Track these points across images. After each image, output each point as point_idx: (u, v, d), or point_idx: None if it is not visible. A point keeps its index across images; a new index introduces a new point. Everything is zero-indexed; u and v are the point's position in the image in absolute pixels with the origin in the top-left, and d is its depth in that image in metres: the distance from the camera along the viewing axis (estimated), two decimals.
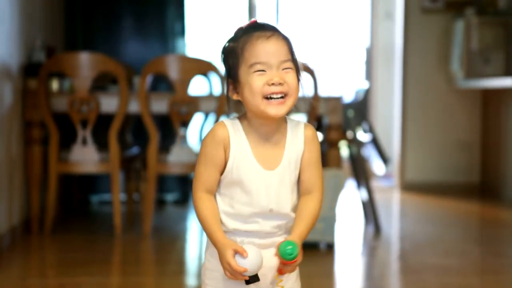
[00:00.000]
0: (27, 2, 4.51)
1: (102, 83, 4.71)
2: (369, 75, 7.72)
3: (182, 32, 5.85)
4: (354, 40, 7.84)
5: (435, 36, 6.57)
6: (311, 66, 4.38)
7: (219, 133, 1.66)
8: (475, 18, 6.18)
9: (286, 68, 1.63)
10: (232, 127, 1.67)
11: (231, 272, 1.59)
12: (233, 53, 1.66)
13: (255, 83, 1.62)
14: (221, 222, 1.68)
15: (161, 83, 5.45)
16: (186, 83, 4.28)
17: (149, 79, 4.32)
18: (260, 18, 1.73)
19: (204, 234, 1.72)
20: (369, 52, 7.71)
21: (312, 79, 4.37)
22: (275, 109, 1.62)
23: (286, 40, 1.66)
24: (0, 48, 3.95)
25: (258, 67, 1.62)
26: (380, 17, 7.60)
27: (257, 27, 1.66)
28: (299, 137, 1.70)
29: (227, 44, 1.69)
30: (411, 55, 6.62)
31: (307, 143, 1.70)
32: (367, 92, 6.82)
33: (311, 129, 1.72)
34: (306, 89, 1.71)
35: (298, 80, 1.67)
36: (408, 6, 6.59)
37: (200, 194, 1.67)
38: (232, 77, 1.67)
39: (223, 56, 1.69)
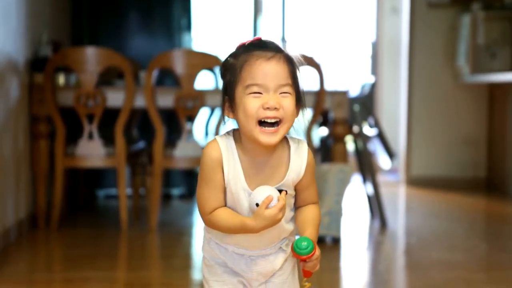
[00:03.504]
0: None
1: (108, 77, 4.72)
2: (375, 70, 7.71)
3: (188, 27, 5.85)
4: (360, 35, 7.83)
5: (441, 31, 6.56)
6: (317, 60, 4.38)
7: (214, 154, 1.60)
8: (482, 12, 6.16)
9: (284, 93, 1.56)
10: (225, 147, 1.62)
11: (277, 215, 1.54)
12: (231, 70, 1.59)
13: (250, 106, 1.55)
14: (216, 236, 1.68)
15: (167, 77, 5.45)
16: (192, 77, 4.29)
17: (155, 73, 4.32)
18: (265, 35, 1.67)
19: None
20: (375, 47, 7.70)
21: (318, 73, 4.37)
22: (267, 138, 1.56)
23: (288, 62, 1.59)
24: (7, 43, 3.96)
25: (255, 89, 1.55)
26: (386, 12, 7.58)
27: (259, 46, 1.59)
28: (303, 161, 1.65)
29: (227, 59, 1.63)
30: (417, 50, 6.61)
31: (308, 165, 1.65)
32: (373, 87, 6.81)
33: (311, 153, 1.67)
34: (306, 114, 1.65)
35: (298, 104, 1.60)
36: (415, 1, 6.58)
37: (211, 212, 1.62)
38: (228, 95, 1.61)
39: (222, 71, 1.63)
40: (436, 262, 3.62)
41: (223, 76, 1.63)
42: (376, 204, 4.64)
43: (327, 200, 3.96)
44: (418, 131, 6.66)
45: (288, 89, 1.57)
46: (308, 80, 4.47)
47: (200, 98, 4.29)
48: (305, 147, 1.66)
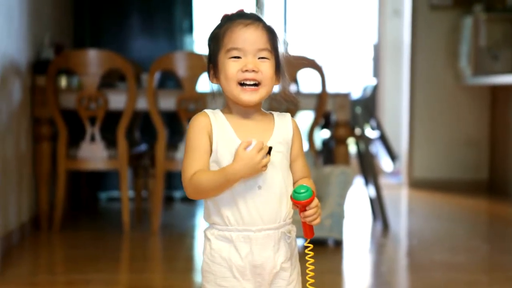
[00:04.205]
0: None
1: (110, 80, 4.72)
2: (377, 72, 7.71)
3: (190, 29, 5.85)
4: (362, 37, 7.83)
5: (443, 33, 6.56)
6: (319, 62, 4.38)
7: (201, 120, 1.66)
8: (484, 14, 6.16)
9: (262, 58, 1.65)
10: (212, 114, 1.68)
11: (256, 156, 1.56)
12: (215, 39, 1.69)
13: (230, 69, 1.64)
14: (216, 216, 1.66)
15: (169, 80, 5.46)
16: (194, 80, 4.29)
17: (157, 76, 4.33)
18: (249, 8, 1.76)
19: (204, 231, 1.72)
20: (377, 49, 7.70)
21: (320, 75, 4.37)
22: (248, 96, 1.64)
23: (267, 30, 1.67)
24: (9, 45, 3.96)
25: (234, 53, 1.64)
26: (388, 14, 7.59)
27: (241, 16, 1.69)
28: (288, 126, 1.71)
29: (212, 31, 1.72)
30: (419, 52, 6.61)
31: (295, 132, 1.72)
32: (375, 89, 6.81)
33: (295, 120, 1.75)
34: (286, 81, 1.72)
35: (277, 71, 1.68)
36: (416, 3, 6.58)
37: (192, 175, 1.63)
38: (212, 63, 1.69)
39: (208, 42, 1.72)
40: (438, 264, 3.62)
41: (208, 47, 1.72)
42: (378, 206, 4.64)
43: (329, 202, 3.96)
44: (420, 133, 6.65)
45: (266, 54, 1.65)
46: (310, 82, 4.48)
47: (202, 101, 4.30)
48: (288, 114, 1.74)
